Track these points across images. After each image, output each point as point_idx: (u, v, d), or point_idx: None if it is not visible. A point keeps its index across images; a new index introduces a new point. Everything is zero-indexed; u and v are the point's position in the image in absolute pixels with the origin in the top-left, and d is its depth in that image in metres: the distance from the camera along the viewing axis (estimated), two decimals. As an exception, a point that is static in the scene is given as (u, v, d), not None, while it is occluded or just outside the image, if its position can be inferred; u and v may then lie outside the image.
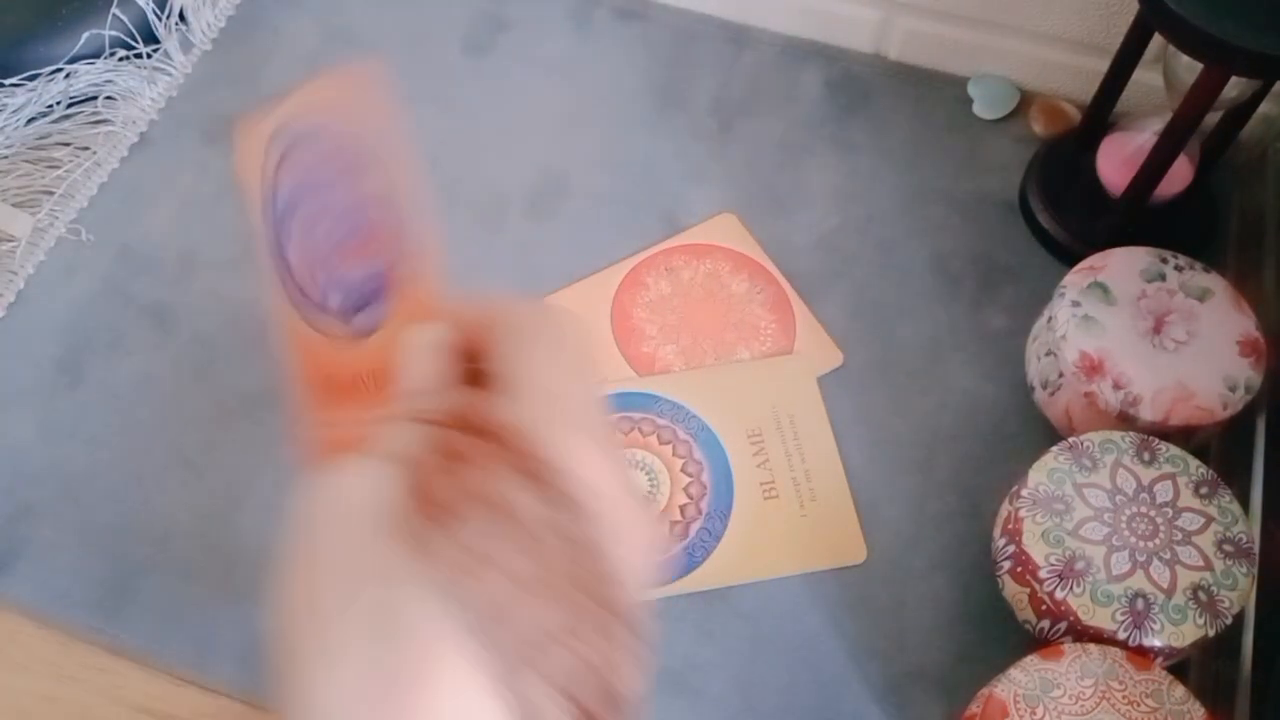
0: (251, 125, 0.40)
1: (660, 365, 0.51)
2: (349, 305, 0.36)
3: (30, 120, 0.58)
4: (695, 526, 0.46)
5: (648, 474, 0.48)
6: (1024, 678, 0.38)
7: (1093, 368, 0.44)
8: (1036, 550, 0.40)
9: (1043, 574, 0.40)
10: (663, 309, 0.52)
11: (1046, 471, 0.42)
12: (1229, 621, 0.39)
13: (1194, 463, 0.42)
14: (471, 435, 0.28)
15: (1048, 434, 0.48)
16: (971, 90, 0.59)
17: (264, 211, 0.39)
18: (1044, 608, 0.40)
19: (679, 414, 0.49)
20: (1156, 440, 0.42)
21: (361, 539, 0.27)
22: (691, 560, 0.46)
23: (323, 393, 0.38)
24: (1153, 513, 0.41)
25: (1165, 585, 0.39)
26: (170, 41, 0.61)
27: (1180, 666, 0.41)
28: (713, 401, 0.49)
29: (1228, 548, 0.40)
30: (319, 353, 0.38)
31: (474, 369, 0.31)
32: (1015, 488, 0.42)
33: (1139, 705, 0.37)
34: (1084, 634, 0.39)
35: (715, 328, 0.52)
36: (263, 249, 0.37)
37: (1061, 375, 0.46)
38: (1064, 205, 0.54)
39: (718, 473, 0.47)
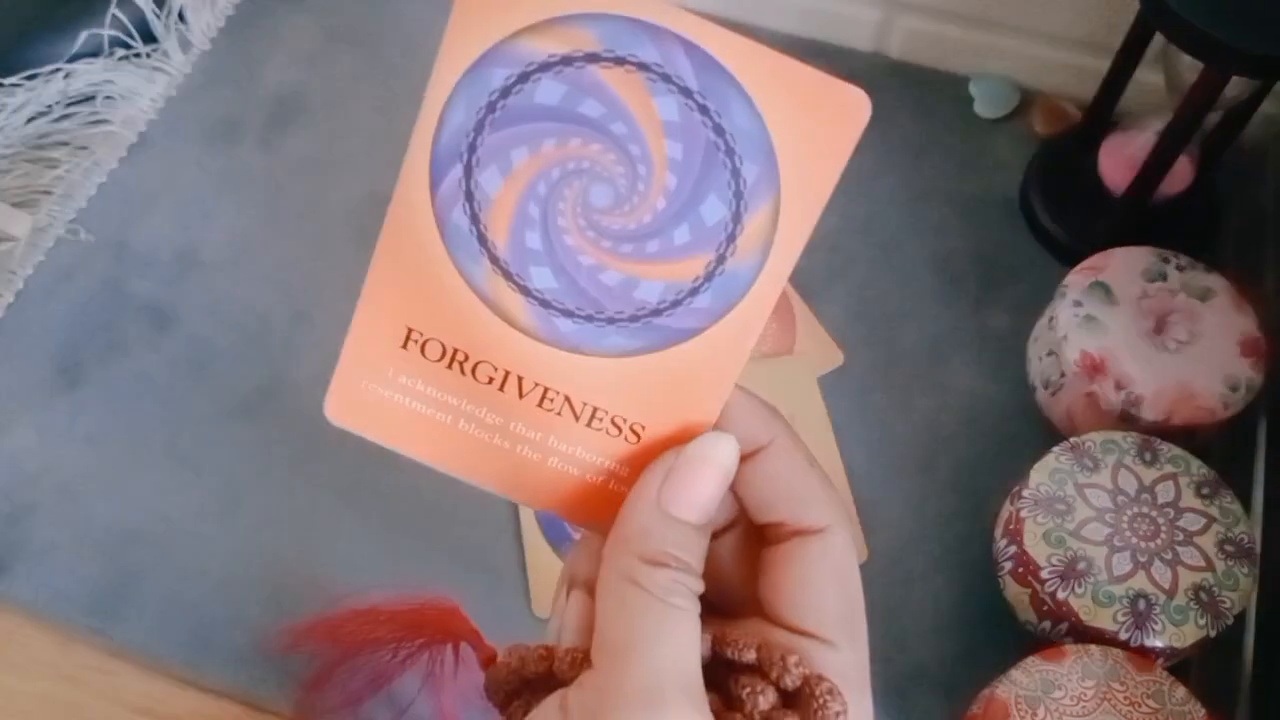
0: None
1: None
2: (569, 302, 0.26)
3: (29, 120, 0.58)
4: None
5: None
6: (1025, 679, 0.37)
7: (1094, 368, 0.44)
8: (1038, 551, 0.40)
9: (1044, 575, 0.40)
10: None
11: (1048, 472, 0.42)
12: (1230, 622, 0.39)
13: (1195, 463, 0.42)
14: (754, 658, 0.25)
15: (1049, 434, 0.48)
16: (972, 89, 0.59)
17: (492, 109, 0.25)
18: (1045, 608, 0.40)
19: None
20: (1158, 440, 0.42)
21: None
22: None
23: (403, 336, 0.28)
24: (1154, 513, 0.41)
25: (1167, 586, 0.39)
26: (169, 41, 0.61)
27: (1181, 667, 0.41)
28: None
29: (1229, 548, 0.40)
30: (444, 301, 0.27)
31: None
32: (1016, 488, 0.42)
33: (1140, 706, 0.37)
34: (1085, 635, 0.39)
35: (716, 328, 0.51)
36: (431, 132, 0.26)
37: (1063, 375, 0.46)
38: (1065, 205, 0.54)
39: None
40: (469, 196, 0.26)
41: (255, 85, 0.60)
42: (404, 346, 0.28)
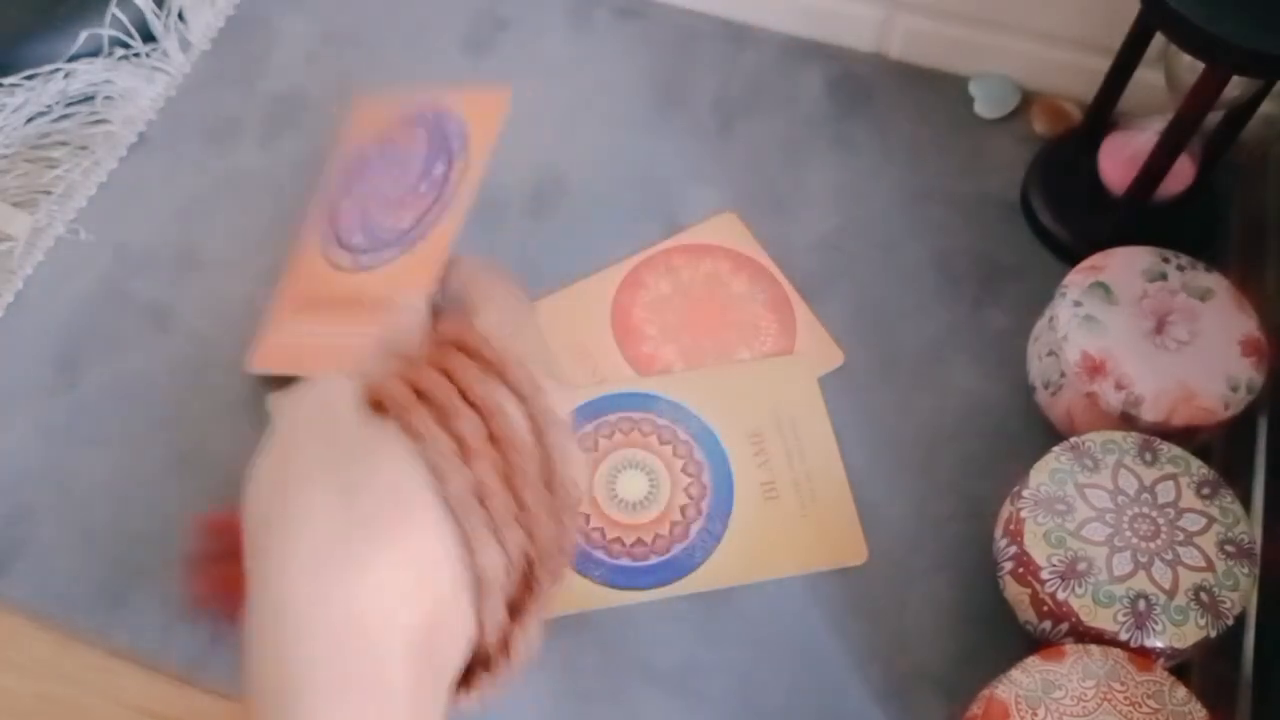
0: (374, 102, 0.52)
1: (660, 365, 0.51)
2: (365, 245, 0.47)
3: (29, 120, 0.58)
4: (695, 528, 0.46)
5: (648, 474, 0.48)
6: (1025, 679, 0.37)
7: (1094, 368, 0.44)
8: (1038, 551, 0.40)
9: (1044, 575, 0.40)
10: (663, 309, 0.52)
11: (1048, 472, 0.42)
12: (1230, 622, 0.39)
13: (1196, 463, 0.42)
14: (464, 355, 0.33)
15: (1049, 434, 0.48)
16: (973, 90, 0.59)
17: (342, 160, 0.50)
18: (1045, 609, 0.40)
19: (679, 414, 0.49)
20: (1158, 441, 0.42)
21: (348, 422, 0.32)
22: (691, 561, 0.46)
23: (300, 305, 0.48)
24: (1154, 513, 0.41)
25: (1167, 586, 0.39)
26: (169, 41, 0.61)
27: (1182, 667, 0.41)
28: (713, 402, 0.49)
29: (1229, 548, 0.40)
30: (314, 275, 0.49)
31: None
32: (1017, 488, 0.42)
33: (1141, 706, 0.37)
34: (1085, 635, 0.39)
35: (715, 327, 0.51)
36: (321, 189, 0.50)
37: (1063, 375, 0.46)
38: (1065, 205, 0.54)
39: (718, 473, 0.47)
40: (332, 218, 0.49)
41: (255, 85, 0.60)
42: (297, 310, 0.48)
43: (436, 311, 0.38)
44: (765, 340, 0.51)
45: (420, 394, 0.32)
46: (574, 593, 0.45)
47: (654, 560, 0.46)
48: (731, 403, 0.49)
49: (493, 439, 0.32)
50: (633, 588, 0.45)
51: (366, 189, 0.49)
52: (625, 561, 0.46)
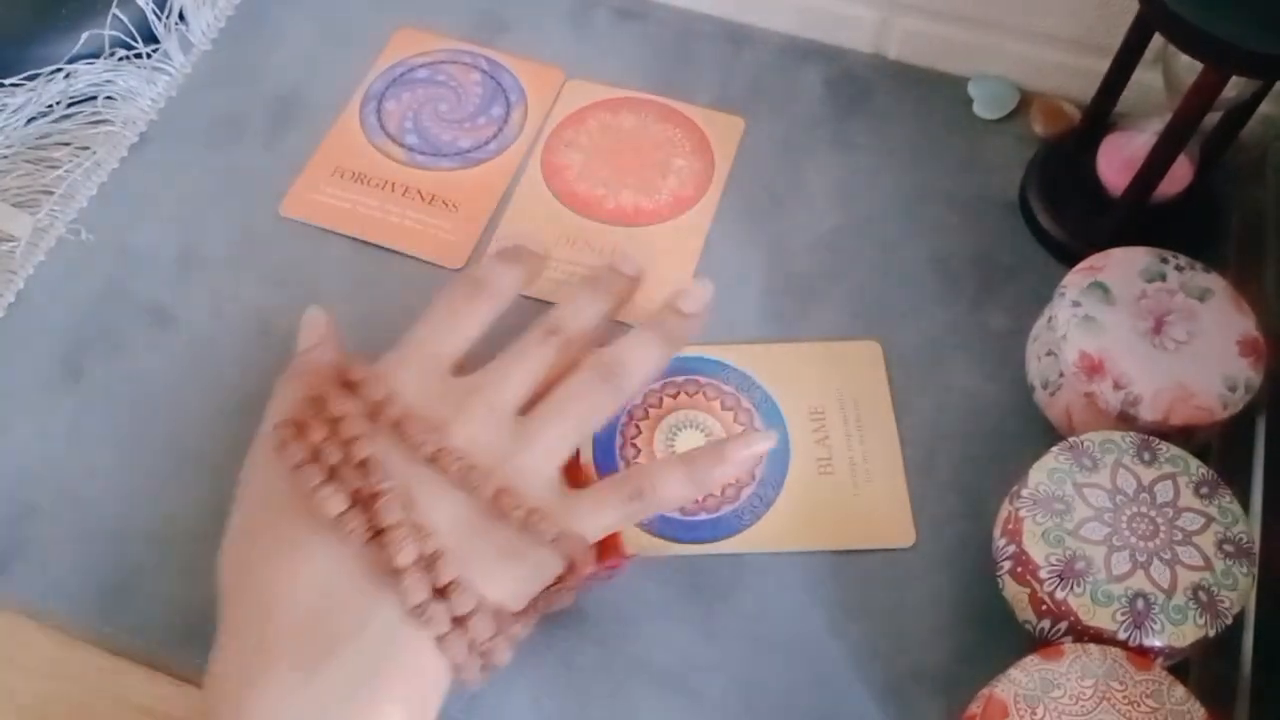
0: (419, 34, 0.62)
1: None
2: (421, 148, 0.57)
3: (30, 120, 0.58)
4: (747, 492, 0.47)
5: (707, 436, 0.49)
6: (1024, 678, 0.38)
7: (1093, 368, 0.44)
8: (1037, 550, 0.40)
9: (1043, 574, 0.40)
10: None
11: (1047, 471, 0.42)
12: (1229, 622, 0.39)
13: (1194, 463, 0.42)
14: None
15: (1048, 434, 0.48)
16: (971, 90, 0.59)
17: (385, 69, 0.61)
18: (1044, 608, 0.40)
19: (745, 383, 0.50)
20: (1157, 440, 0.42)
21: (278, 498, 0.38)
22: (739, 522, 0.46)
23: (336, 172, 0.57)
24: (1153, 513, 0.41)
25: (1165, 585, 0.39)
26: (170, 41, 0.61)
27: (1180, 667, 0.41)
28: (780, 375, 0.50)
29: (1228, 548, 0.40)
30: (357, 153, 0.57)
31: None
32: (1015, 488, 0.43)
33: (1139, 705, 0.37)
34: (1084, 634, 0.39)
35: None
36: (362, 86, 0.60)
37: (1062, 375, 0.46)
38: (1064, 205, 0.54)
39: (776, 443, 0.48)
40: (377, 110, 0.59)
41: (256, 85, 0.61)
42: (331, 174, 0.57)
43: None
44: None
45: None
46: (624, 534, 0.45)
47: (702, 517, 0.47)
48: (798, 378, 0.50)
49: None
50: (676, 539, 0.46)
51: (416, 99, 0.59)
52: (674, 514, 0.47)
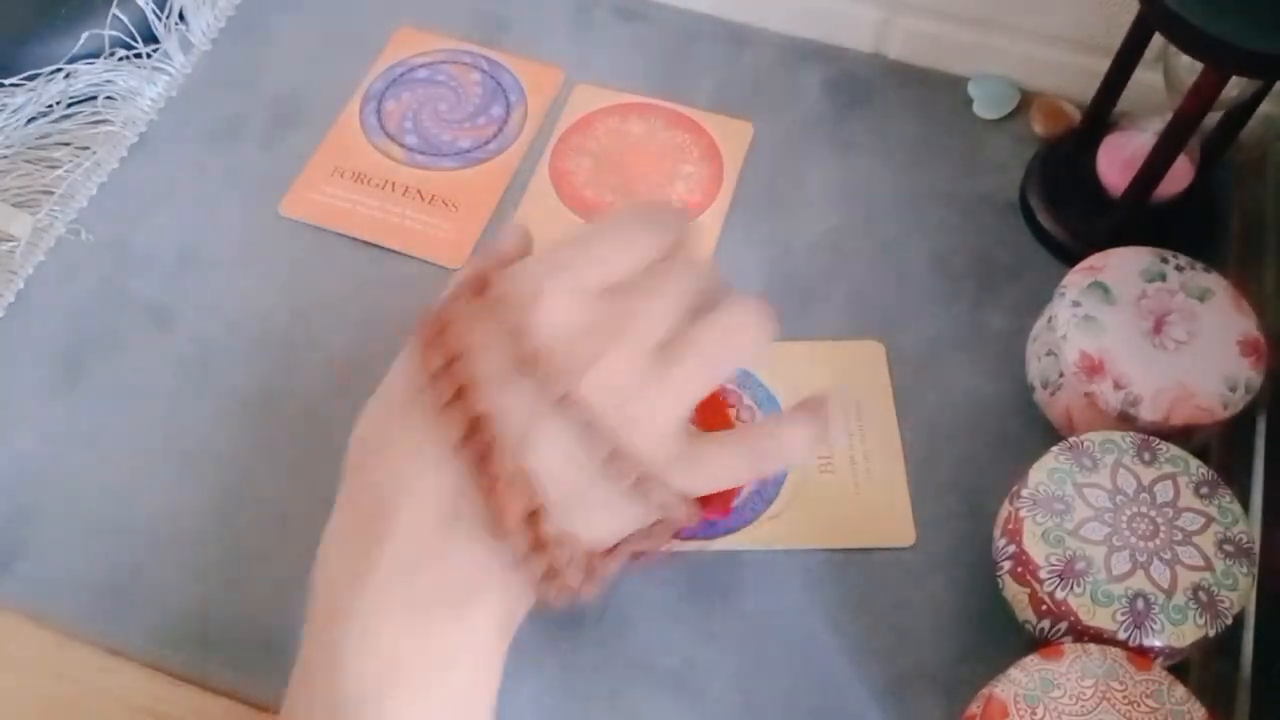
0: (419, 33, 0.62)
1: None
2: (420, 148, 0.58)
3: (30, 120, 0.58)
4: (748, 490, 0.47)
5: None
6: (1024, 678, 0.38)
7: (1093, 368, 0.44)
8: (1037, 550, 0.40)
9: (1043, 574, 0.40)
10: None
11: (1047, 471, 0.42)
12: (1229, 621, 0.39)
13: (1194, 463, 0.42)
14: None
15: (1048, 434, 0.48)
16: (971, 90, 0.59)
17: (385, 68, 0.61)
18: (1044, 608, 0.40)
19: (747, 381, 0.50)
20: (1157, 440, 0.42)
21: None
22: (740, 519, 0.46)
23: (336, 171, 0.57)
24: (1153, 513, 0.41)
25: (1165, 585, 0.39)
26: (170, 41, 0.61)
27: (1180, 667, 0.41)
28: (783, 374, 0.50)
29: (1228, 548, 0.40)
30: (356, 152, 0.58)
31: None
32: (1015, 488, 0.43)
33: (1139, 705, 0.37)
34: (1084, 634, 0.39)
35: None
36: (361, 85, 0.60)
37: (1062, 375, 0.46)
38: (1064, 205, 0.54)
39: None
40: (377, 110, 0.59)
41: (255, 85, 0.61)
42: (330, 174, 0.57)
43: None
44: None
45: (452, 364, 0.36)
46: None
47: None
48: (801, 377, 0.50)
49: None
50: (676, 537, 0.46)
51: (416, 99, 0.59)
52: None
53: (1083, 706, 0.37)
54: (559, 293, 0.37)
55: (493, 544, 0.35)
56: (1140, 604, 0.39)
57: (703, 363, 0.38)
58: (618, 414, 0.36)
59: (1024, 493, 0.42)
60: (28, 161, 0.57)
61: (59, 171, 0.57)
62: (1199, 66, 0.44)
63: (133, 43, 0.60)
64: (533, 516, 0.35)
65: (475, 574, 0.35)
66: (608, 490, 0.36)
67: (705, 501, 0.39)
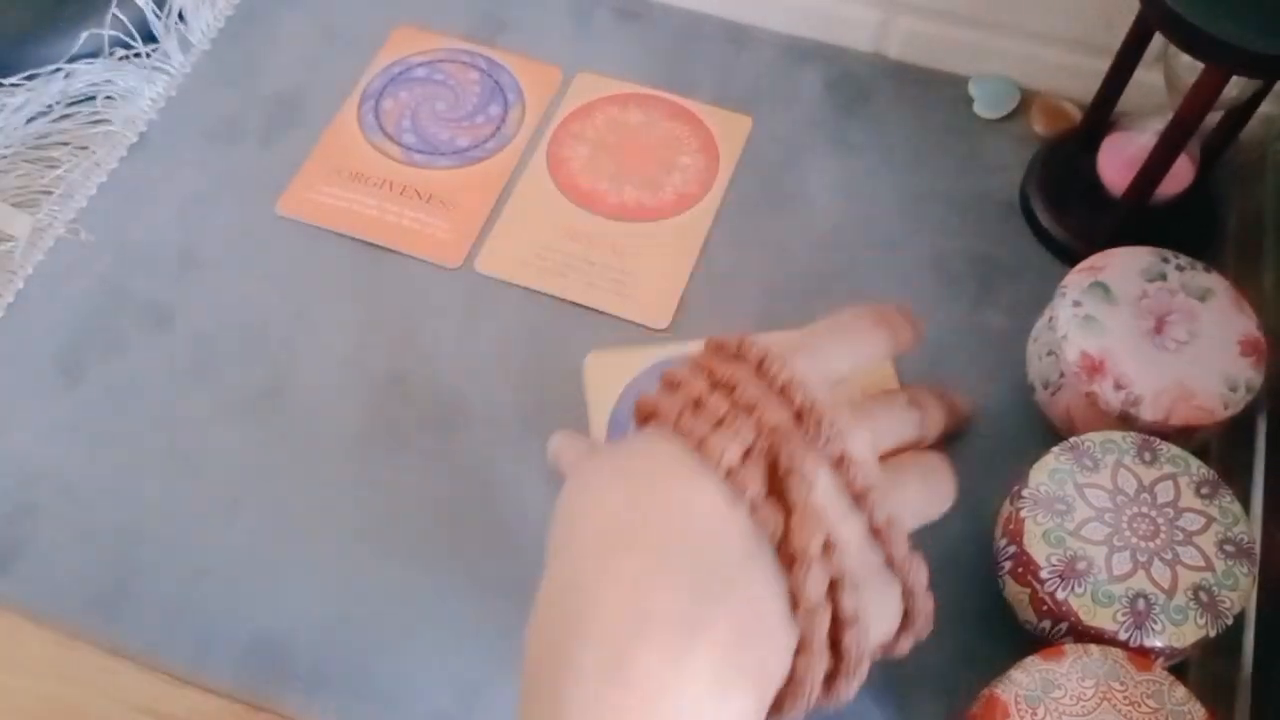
0: (417, 33, 0.62)
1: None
2: (418, 146, 0.57)
3: (30, 120, 0.58)
4: None
5: None
6: (1025, 678, 0.38)
7: (1094, 368, 0.44)
8: (1037, 550, 0.40)
9: (1043, 574, 0.40)
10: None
11: (1047, 472, 0.42)
12: (1230, 622, 0.39)
13: (1195, 463, 0.42)
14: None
15: (1048, 434, 0.48)
16: (972, 90, 0.59)
17: (382, 67, 0.60)
18: (1045, 608, 0.40)
19: None
20: (1157, 440, 0.42)
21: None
22: None
23: (333, 171, 0.57)
24: (1154, 513, 0.41)
25: (1166, 586, 0.39)
26: (169, 41, 0.61)
27: (1181, 667, 0.41)
28: None
29: (1229, 548, 0.40)
30: (354, 152, 0.58)
31: None
32: (1016, 488, 0.42)
33: (1140, 706, 0.37)
34: (1085, 634, 0.39)
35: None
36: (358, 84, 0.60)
37: (1062, 375, 0.46)
38: (1065, 205, 0.54)
39: None
40: (375, 109, 0.59)
41: (255, 85, 0.61)
42: (328, 174, 0.57)
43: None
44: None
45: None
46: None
47: None
48: None
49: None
50: None
51: (414, 97, 0.59)
52: None
53: (1083, 707, 0.37)
54: (810, 366, 0.35)
55: (779, 596, 0.32)
56: (1141, 604, 0.39)
57: (918, 485, 0.38)
58: (877, 488, 0.34)
59: (1024, 493, 0.42)
60: (27, 161, 0.57)
61: (58, 171, 0.57)
62: (1199, 66, 0.44)
63: (132, 42, 0.60)
64: (834, 585, 0.32)
65: (755, 635, 0.31)
66: (876, 564, 0.34)
67: None
